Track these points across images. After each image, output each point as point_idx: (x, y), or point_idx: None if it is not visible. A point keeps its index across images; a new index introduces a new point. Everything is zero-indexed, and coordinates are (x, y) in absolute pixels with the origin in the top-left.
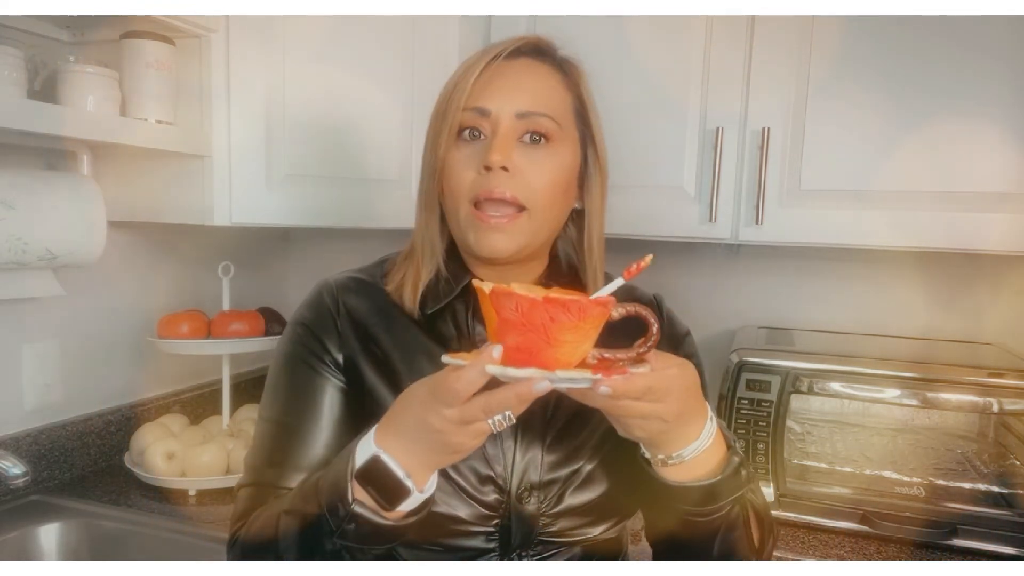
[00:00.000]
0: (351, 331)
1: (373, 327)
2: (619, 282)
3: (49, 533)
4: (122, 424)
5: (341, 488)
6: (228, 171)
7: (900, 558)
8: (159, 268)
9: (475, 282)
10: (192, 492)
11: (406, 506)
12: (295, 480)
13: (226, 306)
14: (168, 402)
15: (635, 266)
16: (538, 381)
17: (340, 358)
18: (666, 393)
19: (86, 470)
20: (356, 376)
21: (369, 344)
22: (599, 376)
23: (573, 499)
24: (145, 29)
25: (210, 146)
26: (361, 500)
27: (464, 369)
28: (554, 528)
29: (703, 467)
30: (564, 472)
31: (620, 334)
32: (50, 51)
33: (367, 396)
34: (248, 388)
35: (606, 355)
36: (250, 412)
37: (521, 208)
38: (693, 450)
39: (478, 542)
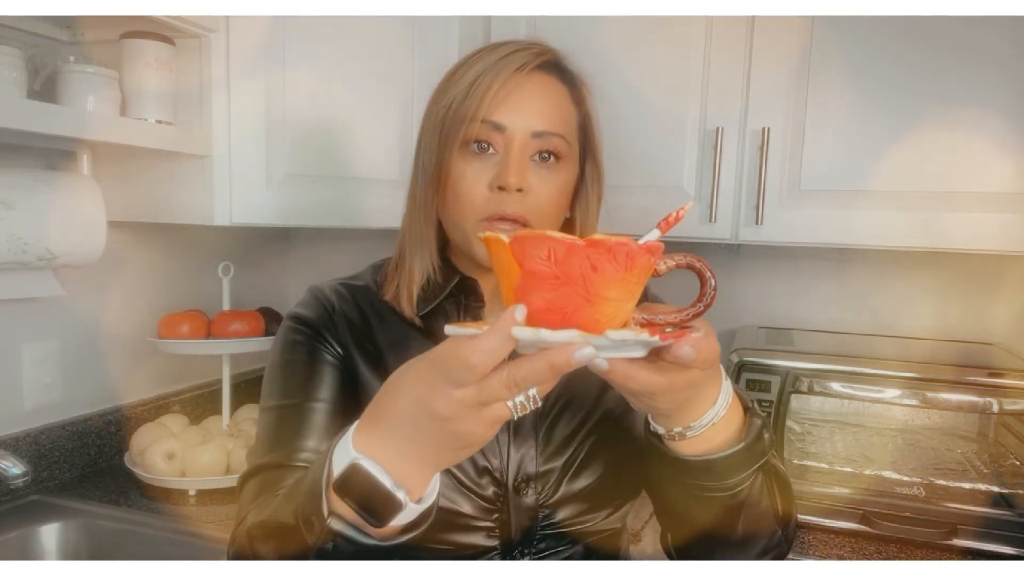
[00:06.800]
0: (346, 328)
1: (367, 326)
2: (655, 234)
3: (49, 533)
4: (122, 424)
5: (316, 499)
6: (228, 171)
7: (900, 558)
8: (159, 268)
9: (487, 233)
10: (192, 492)
11: (399, 520)
12: (301, 458)
13: (226, 306)
14: (168, 402)
15: (673, 215)
16: (581, 347)
17: (338, 349)
18: (717, 357)
19: (86, 470)
20: (352, 371)
21: (364, 342)
22: (657, 339)
23: (570, 487)
24: (145, 29)
25: (210, 146)
26: (340, 514)
27: (483, 336)
28: (554, 519)
29: (721, 435)
30: (560, 461)
31: None
32: (50, 51)
33: (362, 393)
34: (248, 388)
35: (647, 317)
36: (250, 412)
37: (525, 224)
38: (711, 418)
39: (479, 538)
